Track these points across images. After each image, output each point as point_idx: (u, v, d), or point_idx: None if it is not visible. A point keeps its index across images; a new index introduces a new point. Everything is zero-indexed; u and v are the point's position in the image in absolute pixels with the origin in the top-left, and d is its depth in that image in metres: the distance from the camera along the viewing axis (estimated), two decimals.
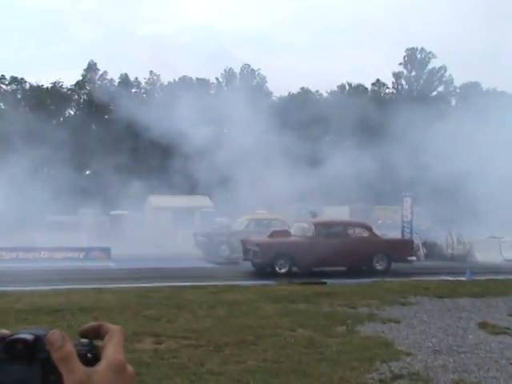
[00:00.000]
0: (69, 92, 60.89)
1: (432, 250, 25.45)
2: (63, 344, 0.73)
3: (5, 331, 0.76)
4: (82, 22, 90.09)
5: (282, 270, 18.76)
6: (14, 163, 30.29)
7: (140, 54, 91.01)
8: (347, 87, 67.58)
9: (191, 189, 37.57)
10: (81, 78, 62.58)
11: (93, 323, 0.80)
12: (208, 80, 63.74)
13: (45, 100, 56.68)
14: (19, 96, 59.49)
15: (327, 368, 7.33)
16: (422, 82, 70.52)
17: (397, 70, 71.44)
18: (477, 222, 25.97)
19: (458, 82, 67.89)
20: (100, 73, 63.96)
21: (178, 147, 31.41)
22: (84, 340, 0.78)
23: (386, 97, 66.12)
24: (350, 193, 35.23)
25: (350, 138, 31.30)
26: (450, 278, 17.24)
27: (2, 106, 59.01)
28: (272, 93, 64.00)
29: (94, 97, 48.94)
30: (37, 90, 58.33)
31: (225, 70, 66.57)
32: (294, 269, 18.99)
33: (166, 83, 62.77)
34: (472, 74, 79.03)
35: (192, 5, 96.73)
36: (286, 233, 20.67)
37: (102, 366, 0.73)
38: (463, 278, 16.85)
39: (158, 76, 64.82)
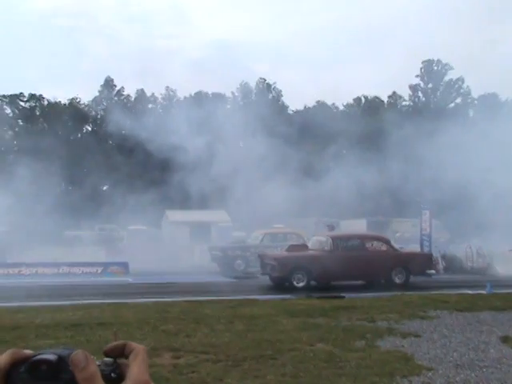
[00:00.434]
0: (86, 108, 61.54)
1: (451, 263, 25.19)
2: (87, 364, 0.72)
3: (28, 351, 0.76)
4: (98, 39, 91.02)
5: (300, 284, 18.67)
6: (33, 179, 30.57)
7: (156, 69, 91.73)
8: (363, 100, 67.57)
9: (207, 203, 37.61)
10: (97, 94, 63.29)
11: (117, 342, 0.80)
12: (224, 95, 64.06)
13: (62, 116, 57.29)
14: (37, 113, 60.25)
15: (347, 383, 7.26)
16: (438, 93, 70.24)
17: (413, 83, 71.37)
18: (497, 235, 25.67)
19: (475, 94, 67.63)
20: (117, 89, 64.58)
21: (193, 163, 31.52)
22: (108, 359, 0.78)
23: (402, 109, 65.92)
24: (366, 206, 35.07)
25: (366, 151, 31.22)
26: (470, 292, 17.04)
27: (21, 123, 59.80)
28: (288, 106, 64.21)
29: (111, 113, 49.36)
30: (54, 106, 59.04)
31: (240, 85, 66.88)
32: (312, 283, 18.91)
33: (182, 98, 63.20)
34: (489, 85, 78.68)
35: (207, 20, 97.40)
36: (304, 247, 20.62)
37: None
38: (483, 292, 16.66)
39: (174, 91, 65.30)
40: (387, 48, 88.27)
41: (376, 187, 30.44)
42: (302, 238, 24.41)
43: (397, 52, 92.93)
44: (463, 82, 68.81)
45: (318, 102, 64.90)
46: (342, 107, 66.95)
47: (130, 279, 22.13)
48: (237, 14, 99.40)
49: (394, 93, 69.13)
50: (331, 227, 27.13)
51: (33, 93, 59.72)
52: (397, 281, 19.39)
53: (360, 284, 19.21)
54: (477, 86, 79.07)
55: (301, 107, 63.78)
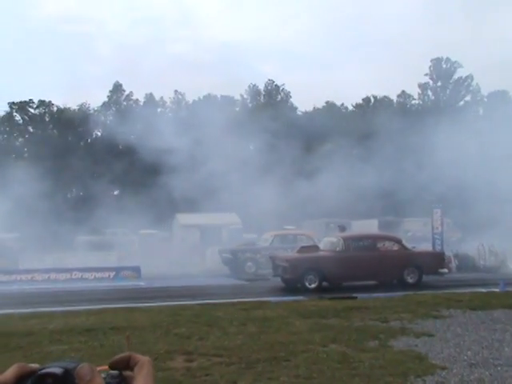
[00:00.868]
0: (95, 113, 61.80)
1: (464, 261, 25.04)
2: (93, 377, 0.73)
3: (34, 365, 0.76)
4: (107, 44, 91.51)
5: (312, 286, 18.63)
6: (43, 185, 30.73)
7: (165, 73, 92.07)
8: (372, 100, 67.45)
9: (218, 206, 37.64)
10: (107, 99, 63.53)
11: (122, 354, 0.81)
12: (232, 97, 64.13)
13: (72, 122, 57.54)
14: (47, 119, 60.56)
15: (361, 383, 7.24)
16: (448, 92, 69.98)
17: (422, 81, 71.16)
18: (510, 232, 25.49)
19: (485, 91, 67.30)
20: (126, 93, 64.82)
21: (201, 165, 31.57)
22: (113, 372, 0.79)
23: (412, 108, 65.72)
24: (378, 205, 34.98)
25: (377, 150, 31.13)
26: (483, 290, 16.94)
27: (31, 130, 60.15)
28: (297, 108, 64.19)
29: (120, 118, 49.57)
30: (64, 112, 59.32)
31: (249, 87, 66.96)
32: (324, 284, 18.87)
33: (190, 102, 63.33)
34: (499, 83, 78.16)
35: (215, 22, 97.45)
36: (315, 248, 20.56)
37: None
38: (496, 290, 16.56)
39: (183, 95, 65.46)
40: (396, 47, 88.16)
41: (386, 187, 30.34)
42: (312, 240, 24.36)
43: (405, 51, 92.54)
44: (472, 79, 68.58)
45: (327, 102, 64.88)
46: (351, 107, 66.91)
47: (142, 283, 22.20)
48: (244, 16, 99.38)
49: (403, 92, 69.02)
50: (342, 228, 27.05)
51: (42, 99, 60.13)
52: (409, 280, 19.30)
53: (372, 284, 19.14)
54: (486, 84, 78.69)
55: (310, 108, 63.78)
